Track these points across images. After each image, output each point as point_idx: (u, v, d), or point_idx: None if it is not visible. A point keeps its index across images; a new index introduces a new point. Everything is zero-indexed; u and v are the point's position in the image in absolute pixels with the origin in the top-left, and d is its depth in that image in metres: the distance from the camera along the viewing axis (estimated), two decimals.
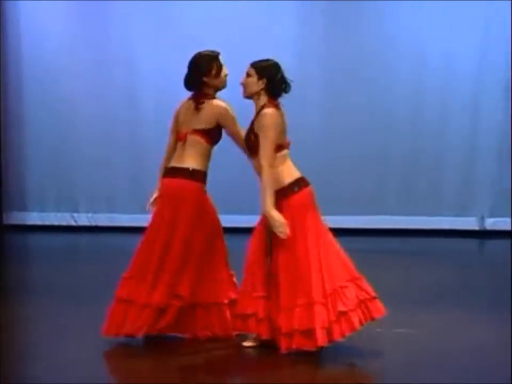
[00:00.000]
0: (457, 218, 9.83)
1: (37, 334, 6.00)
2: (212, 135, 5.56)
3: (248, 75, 5.38)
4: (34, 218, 10.04)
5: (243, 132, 5.47)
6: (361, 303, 5.30)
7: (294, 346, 5.19)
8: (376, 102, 9.74)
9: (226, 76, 5.59)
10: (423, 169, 9.82)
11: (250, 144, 5.35)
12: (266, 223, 5.30)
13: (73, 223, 10.00)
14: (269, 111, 5.29)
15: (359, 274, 5.39)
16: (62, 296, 6.87)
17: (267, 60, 5.44)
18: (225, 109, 5.52)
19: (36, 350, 5.59)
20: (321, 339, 5.13)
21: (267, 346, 5.38)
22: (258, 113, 5.34)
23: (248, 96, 5.40)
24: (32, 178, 10.01)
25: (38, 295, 7.05)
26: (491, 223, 9.86)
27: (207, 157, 5.61)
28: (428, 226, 9.76)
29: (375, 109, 9.74)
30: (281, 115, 5.38)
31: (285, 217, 5.20)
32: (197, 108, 5.57)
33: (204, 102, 5.56)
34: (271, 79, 5.34)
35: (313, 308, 5.17)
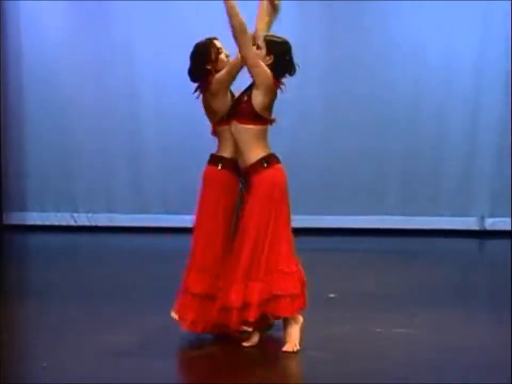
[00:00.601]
0: (457, 218, 9.82)
1: (37, 334, 5.99)
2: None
3: (257, 46, 5.31)
4: (34, 218, 10.03)
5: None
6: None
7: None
8: (375, 100, 9.72)
9: (228, 56, 5.50)
10: (422, 169, 9.81)
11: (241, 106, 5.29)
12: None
13: (73, 223, 9.99)
14: None
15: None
16: (62, 296, 6.87)
17: (280, 37, 5.38)
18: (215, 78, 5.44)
19: (35, 350, 5.59)
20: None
21: (268, 345, 5.40)
22: None
23: (251, 67, 5.26)
24: (32, 178, 9.99)
25: (38, 295, 7.05)
26: (491, 223, 9.86)
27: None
28: (428, 226, 9.74)
29: (374, 107, 9.72)
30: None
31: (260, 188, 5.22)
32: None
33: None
34: (278, 57, 5.28)
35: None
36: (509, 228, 9.68)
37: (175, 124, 9.58)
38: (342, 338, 5.40)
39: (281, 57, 5.31)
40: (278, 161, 5.35)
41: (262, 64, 5.24)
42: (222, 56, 5.52)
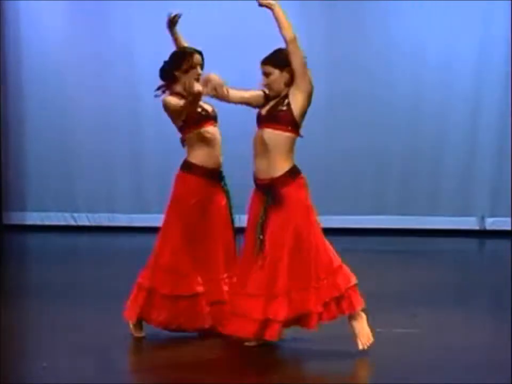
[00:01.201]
0: (457, 218, 9.83)
1: (37, 334, 6.00)
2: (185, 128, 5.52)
3: (267, 74, 5.24)
4: (34, 218, 10.04)
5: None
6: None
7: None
8: (375, 100, 9.73)
9: (198, 75, 5.48)
10: (422, 169, 9.82)
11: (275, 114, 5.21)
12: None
13: (73, 223, 10.00)
14: None
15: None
16: (61, 296, 6.87)
17: (275, 51, 5.30)
18: (163, 100, 5.48)
19: (35, 350, 5.59)
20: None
21: (268, 345, 5.40)
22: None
23: (278, 93, 5.23)
24: (32, 178, 10.00)
25: (38, 295, 7.05)
26: (491, 223, 9.86)
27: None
28: (428, 226, 9.75)
29: (373, 107, 9.73)
30: None
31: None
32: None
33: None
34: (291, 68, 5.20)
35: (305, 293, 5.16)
36: (509, 228, 9.70)
37: None
38: (341, 338, 5.39)
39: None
40: (300, 171, 5.30)
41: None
42: (194, 71, 5.52)
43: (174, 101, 5.47)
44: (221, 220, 5.64)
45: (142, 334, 5.68)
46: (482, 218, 9.88)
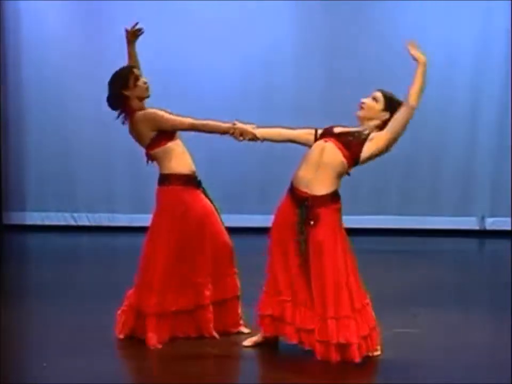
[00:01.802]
0: (457, 218, 9.83)
1: (37, 334, 6.00)
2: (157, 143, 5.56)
3: (375, 99, 5.32)
4: (34, 218, 10.04)
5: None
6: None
7: (332, 357, 5.12)
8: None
9: (145, 83, 5.61)
10: (422, 169, 9.82)
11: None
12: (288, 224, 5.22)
13: (73, 223, 10.00)
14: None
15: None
16: (62, 296, 6.87)
17: (394, 96, 5.40)
18: (153, 112, 5.54)
19: (35, 350, 5.59)
20: (357, 354, 5.11)
21: (266, 346, 5.40)
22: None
23: (362, 118, 5.31)
24: (32, 178, 10.01)
25: (38, 295, 7.06)
26: (491, 223, 9.87)
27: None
28: (428, 226, 9.76)
29: None
30: None
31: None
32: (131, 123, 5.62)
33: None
34: (391, 115, 5.29)
35: (344, 322, 5.11)
36: (509, 228, 9.70)
37: None
38: None
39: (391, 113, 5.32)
40: (339, 198, 5.36)
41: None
42: (140, 82, 5.60)
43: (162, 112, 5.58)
44: (210, 222, 5.64)
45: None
46: (482, 218, 9.88)
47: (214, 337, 5.59)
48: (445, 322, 6.21)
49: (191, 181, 5.62)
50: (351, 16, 9.73)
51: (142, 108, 5.61)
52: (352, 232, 9.45)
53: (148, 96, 5.66)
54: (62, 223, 9.97)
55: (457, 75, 9.73)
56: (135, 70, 5.64)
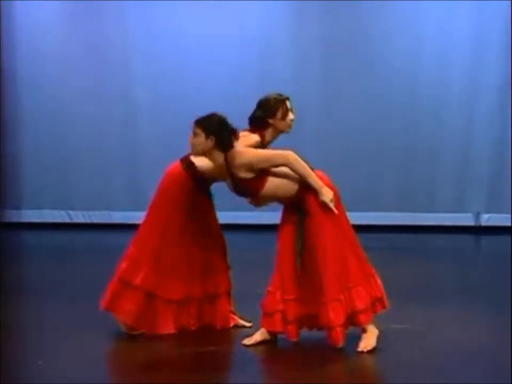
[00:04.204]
0: (454, 215, 9.85)
1: (33, 332, 5.99)
2: None
3: (195, 134, 5.28)
4: (30, 215, 10.04)
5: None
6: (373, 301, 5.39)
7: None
8: (371, 97, 9.75)
9: (292, 120, 5.58)
10: (419, 166, 9.85)
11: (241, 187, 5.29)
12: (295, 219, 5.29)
13: (68, 220, 9.99)
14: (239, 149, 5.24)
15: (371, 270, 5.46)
16: (57, 293, 6.87)
17: (211, 116, 5.30)
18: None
19: (31, 348, 5.57)
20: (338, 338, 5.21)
21: (266, 343, 5.41)
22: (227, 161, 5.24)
23: (198, 154, 5.32)
24: (28, 176, 10.01)
25: (34, 292, 7.05)
26: (487, 219, 9.89)
27: None
28: (425, 223, 9.77)
29: (371, 105, 9.75)
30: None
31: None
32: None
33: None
34: (219, 136, 5.23)
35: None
36: (504, 224, 9.72)
37: (171, 121, 9.56)
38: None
39: (221, 135, 5.24)
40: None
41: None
42: (289, 118, 5.57)
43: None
44: (209, 218, 5.74)
45: (138, 332, 5.70)
46: (478, 215, 9.89)
47: (226, 328, 5.70)
48: (442, 317, 6.22)
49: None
50: (346, 11, 9.73)
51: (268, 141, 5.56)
52: None
53: (287, 132, 5.62)
54: (58, 220, 9.97)
55: (454, 75, 9.73)
56: (288, 103, 5.57)
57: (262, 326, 5.47)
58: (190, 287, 5.71)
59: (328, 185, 5.35)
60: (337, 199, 5.38)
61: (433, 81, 9.75)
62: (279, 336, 5.48)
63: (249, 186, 5.27)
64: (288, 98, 5.59)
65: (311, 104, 9.68)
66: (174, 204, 5.64)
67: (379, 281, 5.48)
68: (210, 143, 5.24)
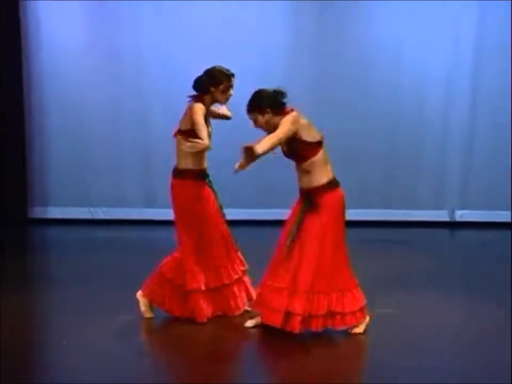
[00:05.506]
0: (431, 211, 9.86)
1: (58, 317, 6.02)
2: (192, 135, 5.45)
3: (254, 121, 5.24)
4: (55, 212, 10.04)
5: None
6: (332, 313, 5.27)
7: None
8: (356, 100, 9.67)
9: (230, 95, 5.57)
10: (401, 169, 9.83)
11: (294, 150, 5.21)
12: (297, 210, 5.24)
13: (90, 217, 10.00)
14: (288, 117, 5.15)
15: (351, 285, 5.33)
16: (80, 283, 6.88)
17: (252, 98, 5.28)
18: (195, 105, 5.43)
19: (57, 331, 5.61)
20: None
21: (266, 329, 5.42)
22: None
23: (273, 131, 5.13)
24: (53, 177, 10.00)
25: (59, 282, 7.07)
26: (460, 215, 9.90)
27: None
28: (405, 218, 9.78)
29: (356, 112, 9.68)
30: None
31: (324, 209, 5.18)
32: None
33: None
34: (270, 105, 5.20)
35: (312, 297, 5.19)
36: (475, 219, 9.75)
37: None
38: None
39: (272, 103, 5.26)
40: (339, 184, 5.35)
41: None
42: (229, 93, 5.55)
43: (200, 113, 5.41)
44: (215, 213, 5.71)
45: (152, 315, 5.73)
46: (453, 211, 9.91)
47: (234, 315, 5.71)
48: (421, 303, 6.25)
49: (200, 175, 5.65)
50: (334, 32, 9.66)
51: (208, 106, 5.55)
52: None
53: (221, 104, 5.63)
54: (80, 216, 9.98)
55: (431, 86, 9.67)
56: (233, 80, 5.55)
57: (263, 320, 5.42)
58: (217, 275, 5.71)
59: (337, 197, 5.27)
60: (343, 210, 5.30)
61: (414, 90, 9.72)
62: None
63: (306, 150, 5.18)
64: (233, 75, 5.53)
65: (305, 104, 9.65)
66: (188, 206, 5.61)
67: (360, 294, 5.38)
68: (269, 116, 5.19)
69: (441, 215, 9.88)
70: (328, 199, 5.21)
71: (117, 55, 9.73)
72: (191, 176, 5.59)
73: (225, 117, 5.84)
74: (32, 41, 9.74)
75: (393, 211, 9.78)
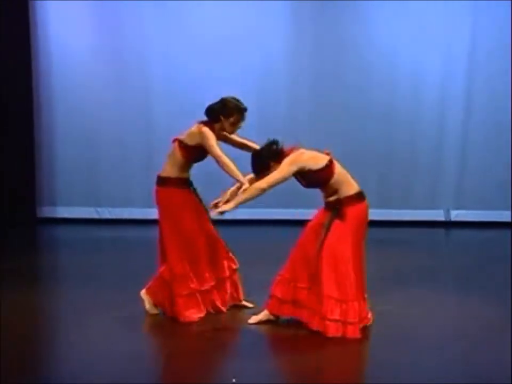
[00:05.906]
0: (427, 211, 9.86)
1: (67, 312, 6.02)
2: (190, 151, 5.52)
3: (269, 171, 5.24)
4: (63, 212, 10.05)
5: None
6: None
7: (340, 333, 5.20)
8: (353, 101, 9.66)
9: (238, 128, 5.58)
10: (397, 169, 9.82)
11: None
12: (322, 219, 5.28)
13: (96, 216, 10.01)
14: None
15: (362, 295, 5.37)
16: (87, 280, 6.90)
17: (254, 160, 5.32)
18: (205, 130, 5.45)
19: (64, 327, 5.61)
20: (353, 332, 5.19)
21: (268, 324, 5.43)
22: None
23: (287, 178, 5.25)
24: (61, 177, 10.00)
25: (67, 279, 7.08)
26: (455, 215, 9.90)
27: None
28: (402, 218, 9.78)
29: (353, 114, 9.67)
30: None
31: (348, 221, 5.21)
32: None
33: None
34: (271, 157, 5.28)
35: (348, 304, 5.20)
36: (469, 219, 9.75)
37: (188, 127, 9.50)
38: None
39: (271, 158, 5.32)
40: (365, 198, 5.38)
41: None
42: (237, 126, 5.56)
43: (214, 142, 5.43)
44: (200, 219, 5.71)
45: (157, 312, 5.74)
46: (448, 211, 9.91)
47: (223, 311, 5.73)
48: (417, 299, 6.25)
49: (184, 183, 5.67)
50: (332, 37, 9.65)
51: (216, 133, 5.54)
52: None
53: (229, 134, 5.63)
54: (87, 216, 9.98)
55: (426, 88, 9.67)
56: (245, 114, 5.55)
57: (268, 310, 5.44)
58: (211, 274, 5.73)
59: (363, 209, 5.31)
60: (366, 222, 5.35)
61: (409, 94, 9.71)
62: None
63: (322, 176, 5.24)
64: (246, 110, 5.53)
65: (299, 113, 9.66)
66: (178, 213, 5.61)
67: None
68: (275, 166, 5.19)
69: (437, 215, 9.88)
70: (355, 209, 5.26)
71: (123, 56, 9.73)
72: (173, 184, 5.60)
73: (247, 148, 5.72)
74: (41, 42, 9.74)
75: (389, 211, 9.76)
